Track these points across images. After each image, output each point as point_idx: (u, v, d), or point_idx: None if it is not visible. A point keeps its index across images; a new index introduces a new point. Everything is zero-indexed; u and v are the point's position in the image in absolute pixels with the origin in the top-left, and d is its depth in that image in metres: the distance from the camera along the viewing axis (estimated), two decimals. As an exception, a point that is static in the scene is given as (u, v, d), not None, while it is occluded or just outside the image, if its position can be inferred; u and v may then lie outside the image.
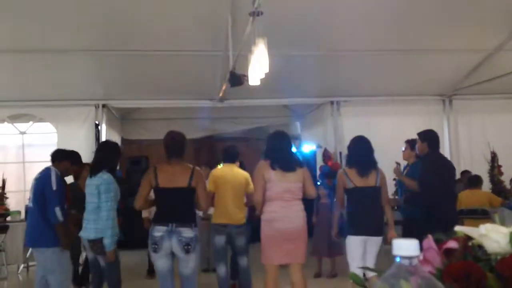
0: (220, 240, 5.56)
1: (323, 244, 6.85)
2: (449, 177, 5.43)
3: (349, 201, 4.87)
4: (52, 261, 4.61)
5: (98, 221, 4.50)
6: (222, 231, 5.51)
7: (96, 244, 4.52)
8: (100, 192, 4.50)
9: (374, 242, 4.72)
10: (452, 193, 5.51)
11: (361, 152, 4.94)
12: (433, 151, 5.41)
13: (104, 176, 4.58)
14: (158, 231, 4.27)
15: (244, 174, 5.77)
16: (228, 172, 5.65)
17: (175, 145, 4.49)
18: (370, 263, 4.68)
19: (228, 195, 5.50)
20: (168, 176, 4.38)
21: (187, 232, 4.27)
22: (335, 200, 5.07)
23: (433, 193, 5.10)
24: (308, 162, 9.85)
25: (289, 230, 4.47)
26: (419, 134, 5.57)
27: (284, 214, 4.50)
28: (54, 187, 4.62)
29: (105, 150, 4.90)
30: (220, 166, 6.00)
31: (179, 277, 4.46)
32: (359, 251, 4.69)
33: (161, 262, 4.33)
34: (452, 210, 5.35)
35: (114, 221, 4.52)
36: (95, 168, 4.71)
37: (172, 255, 4.33)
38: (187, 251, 4.26)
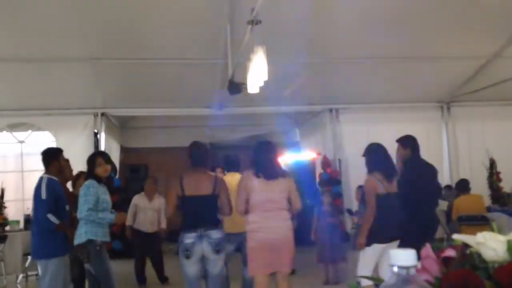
0: (229, 248, 5.56)
1: (326, 251, 6.83)
2: (429, 182, 5.42)
3: (377, 207, 4.71)
4: (47, 271, 4.63)
5: (81, 227, 4.59)
6: (234, 240, 5.50)
7: (79, 250, 4.60)
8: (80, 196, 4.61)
9: (394, 246, 4.66)
10: (434, 196, 5.50)
11: (387, 158, 4.92)
12: (415, 156, 5.41)
13: (85, 182, 4.68)
14: (189, 238, 4.45)
15: None
16: (233, 181, 5.64)
17: (199, 155, 4.70)
18: (387, 269, 4.64)
19: (235, 204, 5.50)
20: (193, 184, 4.56)
21: (216, 234, 4.50)
22: (367, 207, 4.89)
23: (413, 198, 5.10)
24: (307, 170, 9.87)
25: (271, 240, 4.41)
26: (399, 140, 5.52)
27: (264, 225, 4.44)
28: (44, 196, 4.66)
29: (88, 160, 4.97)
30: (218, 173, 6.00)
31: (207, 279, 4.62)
32: (376, 258, 4.64)
33: (192, 269, 4.50)
34: (431, 214, 5.35)
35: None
36: (88, 177, 4.81)
37: (202, 259, 4.50)
38: (218, 252, 4.49)
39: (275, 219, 4.47)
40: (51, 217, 4.62)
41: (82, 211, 4.55)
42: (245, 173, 4.63)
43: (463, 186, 7.16)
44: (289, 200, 4.59)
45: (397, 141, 5.51)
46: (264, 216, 4.46)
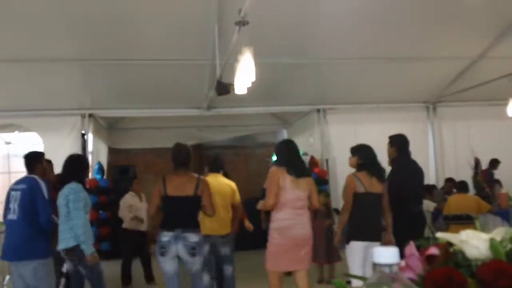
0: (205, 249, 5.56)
1: (322, 250, 6.88)
2: (415, 181, 5.47)
3: (355, 206, 4.83)
4: (40, 273, 4.55)
5: (72, 230, 4.51)
6: (206, 241, 5.49)
7: (72, 252, 4.54)
8: (69, 201, 4.52)
9: (376, 245, 4.72)
10: (420, 197, 5.55)
11: (374, 157, 4.99)
12: (401, 155, 5.46)
13: (72, 186, 4.60)
14: (165, 236, 4.57)
15: (230, 183, 5.75)
16: (214, 182, 5.63)
17: (180, 157, 4.81)
18: (369, 269, 4.68)
19: (217, 205, 5.48)
20: (176, 185, 4.68)
21: (193, 237, 4.59)
22: (343, 204, 5.00)
23: (400, 198, 5.16)
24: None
25: (302, 236, 4.58)
26: (390, 137, 5.60)
27: (296, 221, 4.59)
28: (47, 196, 4.60)
29: (69, 163, 4.90)
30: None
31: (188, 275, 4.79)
32: (360, 256, 4.71)
33: (168, 265, 4.62)
34: (420, 214, 5.40)
35: (87, 228, 4.59)
36: (62, 180, 4.74)
37: (178, 258, 4.62)
38: (193, 255, 4.59)
39: (304, 216, 4.65)
40: (55, 219, 4.61)
41: (80, 216, 4.53)
42: (276, 169, 4.70)
43: (463, 185, 7.28)
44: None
45: (388, 137, 5.59)
46: (295, 213, 4.61)
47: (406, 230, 4.83)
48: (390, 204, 5.15)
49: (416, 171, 5.50)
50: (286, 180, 4.59)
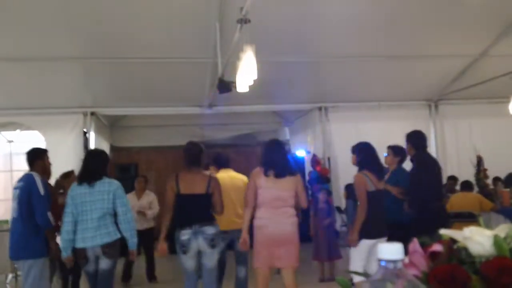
0: (221, 245, 5.58)
1: (323, 248, 6.89)
2: (438, 175, 5.50)
3: (367, 203, 4.84)
4: (33, 272, 4.53)
5: (109, 225, 4.54)
6: (226, 237, 5.51)
7: (111, 247, 4.56)
8: (115, 197, 4.58)
9: (382, 242, 4.74)
10: (441, 191, 5.57)
11: (375, 156, 5.02)
12: (420, 151, 5.47)
13: (114, 181, 4.70)
14: (184, 235, 4.70)
15: (242, 177, 5.80)
16: (226, 177, 5.66)
17: (192, 156, 4.96)
18: (373, 265, 4.71)
19: (228, 200, 5.52)
20: (188, 183, 4.82)
21: (210, 230, 4.76)
22: (359, 204, 4.98)
23: (423, 191, 5.15)
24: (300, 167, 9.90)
25: (278, 235, 4.60)
26: (406, 135, 5.64)
27: (273, 220, 4.63)
28: (42, 192, 4.57)
29: (94, 159, 4.89)
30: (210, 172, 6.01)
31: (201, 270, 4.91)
32: (366, 253, 4.75)
33: (189, 263, 4.78)
34: (441, 208, 5.42)
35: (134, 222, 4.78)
36: (93, 175, 4.67)
37: (198, 254, 4.77)
38: (213, 246, 4.76)
39: (282, 215, 4.67)
40: (50, 216, 4.57)
41: (130, 210, 4.69)
42: (255, 171, 4.78)
43: (467, 184, 7.30)
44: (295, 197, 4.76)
45: (405, 135, 5.65)
46: (272, 212, 4.65)
47: (425, 227, 4.82)
48: (410, 201, 5.17)
49: (434, 168, 5.52)
50: (262, 180, 4.67)
